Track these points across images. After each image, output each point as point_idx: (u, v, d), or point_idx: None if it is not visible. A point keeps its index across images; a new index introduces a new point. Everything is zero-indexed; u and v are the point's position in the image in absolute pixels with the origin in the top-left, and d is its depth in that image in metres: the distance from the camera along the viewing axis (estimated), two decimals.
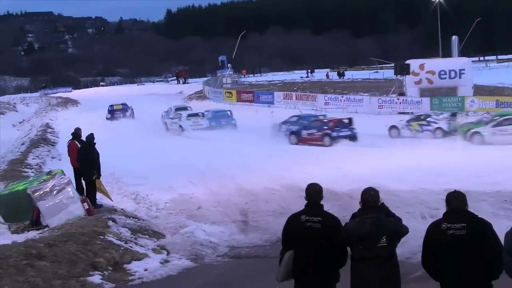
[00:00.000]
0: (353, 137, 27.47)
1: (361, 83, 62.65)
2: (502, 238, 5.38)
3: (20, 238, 11.69)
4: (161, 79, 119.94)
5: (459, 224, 5.41)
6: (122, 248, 10.97)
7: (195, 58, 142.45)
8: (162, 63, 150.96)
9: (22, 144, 31.38)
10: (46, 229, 12.30)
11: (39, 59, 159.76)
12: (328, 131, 27.88)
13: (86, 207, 13.11)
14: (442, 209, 5.65)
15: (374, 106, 40.05)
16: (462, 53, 53.78)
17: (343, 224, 6.02)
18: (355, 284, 5.82)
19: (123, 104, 46.98)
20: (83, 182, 14.88)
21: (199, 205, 15.67)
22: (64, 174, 13.91)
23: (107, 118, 44.58)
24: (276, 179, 18.08)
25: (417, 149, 23.18)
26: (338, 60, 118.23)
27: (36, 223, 12.74)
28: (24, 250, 9.81)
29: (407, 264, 8.11)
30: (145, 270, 10.29)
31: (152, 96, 63.47)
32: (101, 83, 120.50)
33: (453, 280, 5.45)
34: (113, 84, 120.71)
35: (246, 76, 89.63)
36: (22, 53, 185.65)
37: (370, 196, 5.85)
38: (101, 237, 11.21)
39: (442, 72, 40.40)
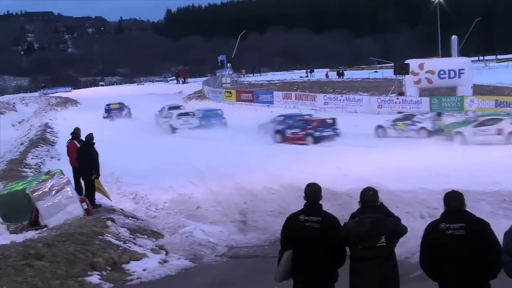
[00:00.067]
0: (335, 137, 27.90)
1: (360, 82, 62.64)
2: (500, 237, 5.37)
3: (19, 238, 11.68)
4: (161, 79, 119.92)
5: (457, 224, 5.40)
6: (120, 248, 10.95)
7: (195, 58, 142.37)
8: (162, 63, 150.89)
9: (21, 144, 31.39)
10: (44, 229, 12.29)
11: (39, 59, 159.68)
12: (311, 131, 28.36)
13: (85, 207, 13.09)
14: (441, 209, 5.64)
15: (373, 106, 40.03)
16: (461, 53, 53.75)
17: (342, 224, 6.01)
18: (354, 284, 5.81)
19: (120, 103, 47.76)
20: (82, 182, 14.87)
21: (198, 205, 15.65)
22: (63, 174, 13.91)
23: (104, 117, 45.34)
24: (276, 178, 18.08)
25: (417, 149, 23.18)
26: (338, 60, 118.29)
27: (35, 223, 12.72)
28: (23, 250, 9.80)
29: (406, 263, 8.10)
30: (144, 270, 10.28)
31: (151, 96, 63.44)
32: (101, 83, 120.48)
33: (451, 280, 5.44)
34: (113, 84, 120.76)
35: (245, 75, 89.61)
36: (22, 52, 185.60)
37: (369, 196, 5.85)
38: (100, 237, 11.20)
39: (442, 72, 40.36)
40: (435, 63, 42.16)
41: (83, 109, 57.75)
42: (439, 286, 5.61)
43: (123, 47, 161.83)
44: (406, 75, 40.77)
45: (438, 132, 27.52)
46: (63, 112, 55.69)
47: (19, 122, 50.92)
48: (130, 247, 11.21)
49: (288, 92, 49.62)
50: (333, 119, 29.49)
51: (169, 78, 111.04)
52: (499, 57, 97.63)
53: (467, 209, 5.57)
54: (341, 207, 12.24)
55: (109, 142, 22.74)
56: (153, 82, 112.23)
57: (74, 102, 69.24)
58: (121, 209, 14.93)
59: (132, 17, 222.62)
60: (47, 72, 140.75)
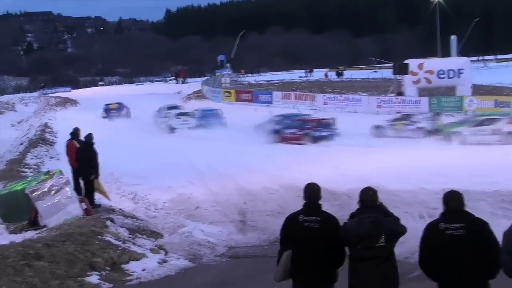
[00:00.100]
0: (334, 137, 27.90)
1: (359, 82, 62.65)
2: (500, 237, 5.37)
3: (18, 238, 11.65)
4: (160, 79, 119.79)
5: (457, 224, 5.40)
6: (120, 248, 10.95)
7: (194, 58, 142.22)
8: (161, 63, 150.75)
9: (21, 144, 31.37)
10: (44, 229, 12.27)
11: (39, 58, 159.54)
12: (309, 131, 28.38)
13: (84, 207, 13.09)
14: (441, 208, 5.64)
15: (372, 106, 40.06)
16: (461, 53, 53.69)
17: (341, 224, 6.01)
18: (354, 284, 5.81)
19: (119, 103, 47.81)
20: (82, 182, 14.87)
21: (198, 205, 15.66)
22: (63, 174, 13.89)
23: (103, 117, 45.42)
24: (275, 178, 18.08)
25: (415, 149, 23.19)
26: (338, 60, 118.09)
27: (34, 223, 12.71)
28: (22, 250, 9.79)
29: (405, 263, 8.09)
30: (143, 270, 10.27)
31: (151, 96, 63.40)
32: (100, 83, 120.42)
33: (451, 280, 5.44)
34: (112, 84, 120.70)
35: (244, 75, 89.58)
36: (22, 52, 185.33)
37: (368, 196, 5.85)
38: (99, 237, 11.20)
39: (441, 72, 40.36)
40: (434, 63, 42.15)
41: (83, 109, 57.72)
42: (438, 286, 5.61)
43: (123, 47, 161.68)
44: (405, 75, 40.78)
45: (436, 132, 27.56)
46: (63, 112, 55.64)
47: (19, 122, 50.85)
48: (129, 247, 11.20)
49: (288, 92, 49.65)
50: (332, 119, 29.51)
51: (168, 78, 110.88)
52: (499, 57, 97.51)
53: (466, 209, 5.58)
54: (340, 207, 12.24)
55: (108, 142, 22.76)
56: (152, 82, 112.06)
57: (73, 102, 69.15)
58: (120, 209, 14.92)
59: (131, 17, 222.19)
60: (46, 72, 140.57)
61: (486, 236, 5.42)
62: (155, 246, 11.70)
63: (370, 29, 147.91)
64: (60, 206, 12.64)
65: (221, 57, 73.25)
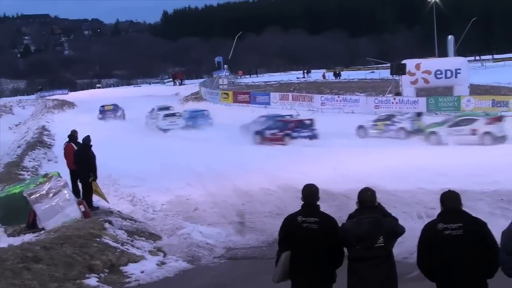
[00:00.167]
0: (313, 137, 28.46)
1: (357, 83, 62.69)
2: (498, 237, 5.37)
3: (16, 241, 11.63)
4: (157, 80, 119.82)
5: (455, 224, 5.40)
6: (118, 250, 10.94)
7: (192, 59, 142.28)
8: (159, 65, 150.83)
9: (19, 146, 31.33)
10: (42, 232, 12.26)
11: (36, 61, 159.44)
12: (289, 131, 28.94)
13: (83, 209, 13.06)
14: (439, 209, 5.63)
15: (370, 106, 40.07)
16: (458, 53, 53.83)
17: (339, 225, 6.01)
18: (352, 285, 5.80)
19: (114, 105, 49.09)
20: (80, 184, 14.85)
21: (196, 207, 15.66)
22: (61, 177, 13.88)
23: (98, 118, 46.65)
24: (273, 179, 18.09)
25: (415, 149, 23.22)
26: (336, 61, 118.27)
27: (33, 226, 12.69)
28: (20, 253, 9.78)
29: (404, 264, 8.10)
30: (142, 272, 10.27)
31: (149, 98, 63.28)
32: (98, 85, 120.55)
33: (449, 280, 5.44)
34: (110, 86, 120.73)
35: (242, 77, 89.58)
36: (19, 55, 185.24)
37: (367, 197, 5.85)
38: (98, 239, 11.18)
39: (438, 72, 40.41)
40: (431, 63, 42.21)
41: (80, 111, 57.67)
42: (436, 286, 5.61)
43: (120, 49, 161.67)
44: (403, 75, 40.82)
45: (417, 132, 27.73)
46: (60, 115, 55.61)
47: (16, 125, 50.81)
48: (128, 249, 11.20)
49: (285, 93, 49.66)
50: (311, 119, 30.04)
51: (166, 80, 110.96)
52: (496, 56, 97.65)
53: (464, 209, 5.58)
54: (338, 208, 12.25)
55: (106, 144, 22.74)
56: (149, 84, 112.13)
57: (71, 104, 69.09)
58: (118, 211, 14.91)
59: (128, 19, 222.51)
60: (44, 75, 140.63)
61: (485, 236, 5.41)
62: (154, 248, 11.70)
63: (368, 29, 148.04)
64: (58, 208, 12.63)
65: (218, 59, 73.32)
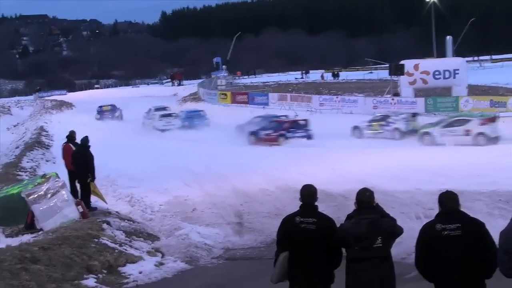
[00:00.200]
0: (308, 138, 28.60)
1: (355, 83, 62.77)
2: (496, 237, 5.37)
3: (15, 241, 11.63)
4: (156, 81, 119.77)
5: (454, 225, 5.40)
6: (116, 251, 10.94)
7: (190, 60, 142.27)
8: (157, 65, 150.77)
9: (17, 147, 31.32)
10: (40, 232, 12.26)
11: (34, 62, 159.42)
12: (283, 132, 29.04)
13: (81, 210, 13.07)
14: (437, 209, 5.63)
15: (368, 107, 40.02)
16: (456, 53, 53.91)
17: (338, 225, 6.01)
18: (350, 285, 5.81)
19: (112, 105, 49.42)
20: (78, 185, 14.85)
21: (194, 207, 15.65)
22: (59, 177, 13.87)
23: (96, 118, 46.99)
24: (271, 180, 18.06)
25: (415, 149, 23.24)
26: (334, 61, 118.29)
27: (31, 227, 12.69)
28: (18, 254, 9.77)
29: (402, 264, 8.10)
30: (140, 273, 10.27)
31: (147, 98, 63.24)
32: (96, 86, 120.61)
33: (447, 281, 5.44)
34: (108, 87, 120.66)
35: (240, 77, 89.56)
36: (17, 56, 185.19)
37: (365, 197, 5.85)
38: (96, 240, 11.18)
39: (437, 72, 40.40)
40: (430, 64, 42.20)
41: (79, 112, 57.61)
42: (434, 287, 5.61)
43: (118, 50, 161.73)
44: (401, 76, 40.79)
45: (412, 132, 27.79)
46: (59, 115, 55.54)
47: (14, 126, 50.71)
48: (126, 250, 11.19)
49: (284, 94, 49.64)
50: (305, 120, 30.09)
51: (164, 81, 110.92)
52: (494, 57, 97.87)
53: (462, 209, 5.58)
54: (336, 209, 12.23)
55: (104, 144, 22.72)
56: (148, 84, 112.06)
57: (69, 105, 68.96)
58: (116, 212, 14.91)
59: (127, 20, 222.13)
60: (42, 75, 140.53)
61: (483, 236, 5.42)
62: (152, 248, 11.69)
63: (367, 30, 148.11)
64: (57, 209, 12.63)
65: (216, 59, 73.26)
